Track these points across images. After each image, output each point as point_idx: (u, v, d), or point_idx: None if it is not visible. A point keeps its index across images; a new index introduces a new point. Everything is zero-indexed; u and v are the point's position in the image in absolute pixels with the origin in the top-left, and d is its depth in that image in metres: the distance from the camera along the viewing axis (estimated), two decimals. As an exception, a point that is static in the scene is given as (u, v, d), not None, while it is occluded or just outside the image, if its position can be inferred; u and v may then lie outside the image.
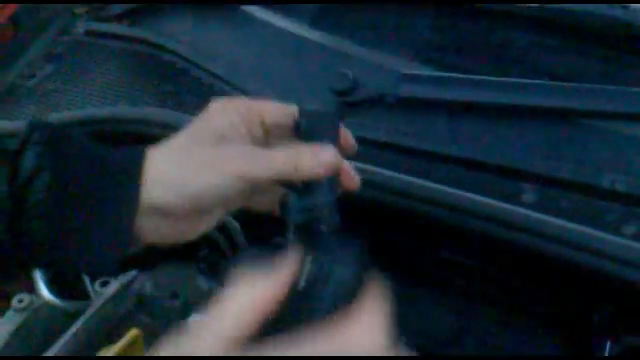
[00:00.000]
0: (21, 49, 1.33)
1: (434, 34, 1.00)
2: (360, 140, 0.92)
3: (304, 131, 0.66)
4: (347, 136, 0.69)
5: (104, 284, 1.03)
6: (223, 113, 0.68)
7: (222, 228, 1.07)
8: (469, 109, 0.88)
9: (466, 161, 0.86)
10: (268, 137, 0.70)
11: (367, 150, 0.92)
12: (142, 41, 1.24)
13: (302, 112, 0.67)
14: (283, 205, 0.67)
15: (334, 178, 0.66)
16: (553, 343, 0.84)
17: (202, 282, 1.02)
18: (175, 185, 0.65)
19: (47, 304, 1.07)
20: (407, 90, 0.90)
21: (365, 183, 0.88)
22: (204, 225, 0.71)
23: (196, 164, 0.65)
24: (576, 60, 0.92)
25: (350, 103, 0.93)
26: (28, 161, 0.62)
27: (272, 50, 1.08)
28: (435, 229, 0.86)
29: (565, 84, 0.85)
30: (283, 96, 1.00)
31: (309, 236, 0.66)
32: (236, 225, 1.05)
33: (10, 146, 0.62)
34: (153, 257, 1.08)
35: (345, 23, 1.07)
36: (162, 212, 0.66)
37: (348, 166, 0.68)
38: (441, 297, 0.91)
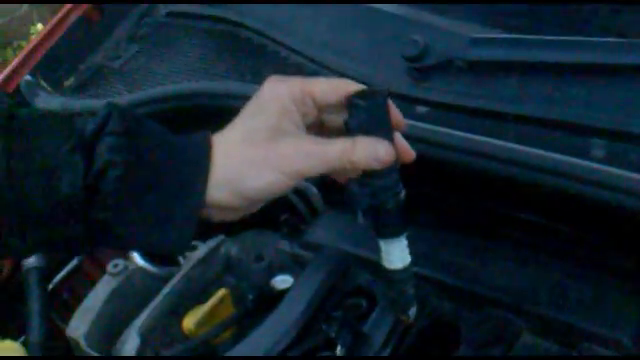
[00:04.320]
0: (107, 32, 1.40)
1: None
2: (432, 104, 0.96)
3: (356, 124, 0.68)
4: (396, 113, 0.70)
5: (192, 248, 1.09)
6: (276, 100, 0.69)
7: (301, 194, 1.12)
8: (537, 69, 0.90)
9: (535, 120, 0.88)
10: (322, 114, 0.71)
11: (438, 113, 0.95)
12: (221, 20, 1.29)
13: (352, 102, 0.68)
14: (347, 194, 0.70)
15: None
16: (629, 294, 0.86)
17: (284, 245, 1.07)
18: (235, 187, 0.68)
19: (140, 269, 1.13)
20: (476, 53, 0.92)
21: (437, 145, 0.92)
22: (255, 209, 0.74)
23: (254, 164, 0.68)
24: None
25: (421, 68, 0.96)
26: (101, 154, 0.64)
27: (345, 22, 1.12)
28: (507, 187, 0.88)
29: (634, 40, 0.86)
30: (357, 65, 1.05)
31: (377, 217, 0.71)
32: (314, 190, 1.10)
33: (89, 128, 0.65)
34: (238, 223, 1.14)
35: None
36: (222, 208, 0.70)
37: (402, 140, 0.70)
38: (516, 253, 0.93)
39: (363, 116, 0.67)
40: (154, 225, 0.67)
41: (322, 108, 0.71)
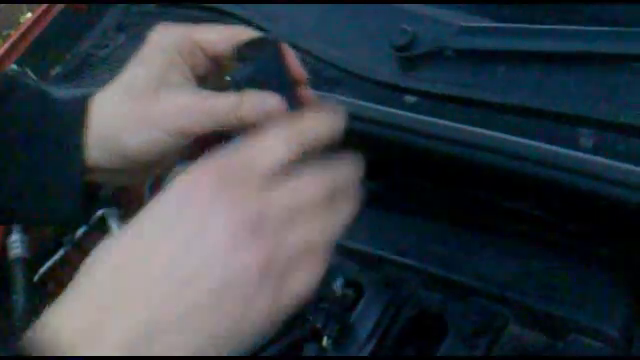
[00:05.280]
0: (94, 21, 1.39)
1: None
2: (420, 93, 0.95)
3: (241, 77, 0.62)
4: (295, 65, 0.64)
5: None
6: (161, 51, 0.64)
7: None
8: (526, 58, 0.89)
9: (524, 109, 0.87)
10: (216, 64, 0.67)
11: (427, 103, 0.94)
12: (209, 8, 1.28)
13: (239, 53, 0.63)
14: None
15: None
16: (616, 285, 0.85)
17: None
18: (113, 146, 0.64)
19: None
20: (465, 42, 0.91)
21: (427, 135, 0.91)
22: (155, 170, 0.70)
23: (131, 121, 0.63)
24: (637, 6, 0.92)
25: (410, 57, 0.95)
26: None
27: (333, 10, 1.11)
28: (494, 177, 0.88)
29: (623, 29, 0.85)
30: (345, 54, 1.04)
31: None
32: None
33: None
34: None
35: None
36: (103, 170, 0.66)
37: (310, 95, 0.66)
38: (502, 242, 0.92)
39: (250, 69, 0.62)
40: (35, 189, 0.64)
41: (214, 58, 0.67)
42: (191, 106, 0.63)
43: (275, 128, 0.55)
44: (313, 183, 0.54)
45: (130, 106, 0.63)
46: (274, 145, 0.54)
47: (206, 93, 0.64)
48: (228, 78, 0.67)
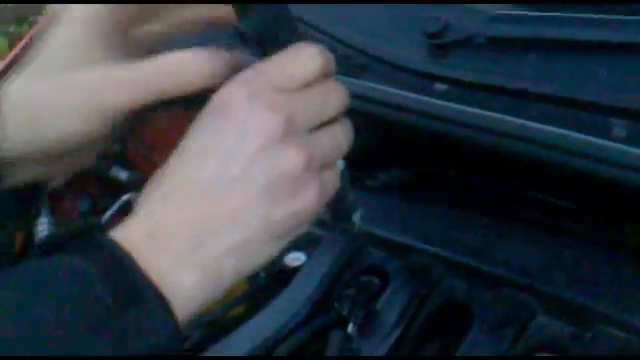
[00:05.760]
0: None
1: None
2: (451, 81, 0.95)
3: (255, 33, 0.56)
4: None
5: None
6: (81, 19, 0.57)
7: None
8: (559, 47, 0.88)
9: (556, 98, 0.86)
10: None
11: (458, 90, 0.94)
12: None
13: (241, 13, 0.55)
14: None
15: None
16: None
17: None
18: (33, 136, 0.56)
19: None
20: (497, 30, 0.91)
21: (457, 123, 0.90)
22: (88, 159, 0.63)
23: (51, 103, 0.55)
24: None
25: (441, 45, 0.95)
26: None
27: (364, -3, 1.10)
28: (524, 166, 0.87)
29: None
30: (376, 41, 1.03)
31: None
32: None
33: None
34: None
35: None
36: (29, 163, 0.58)
37: None
38: (531, 232, 0.92)
39: (257, 19, 0.55)
40: None
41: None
42: (109, 76, 0.56)
43: (308, 44, 0.57)
44: (339, 91, 0.58)
45: (49, 87, 0.56)
46: (310, 58, 0.56)
47: (131, 64, 0.56)
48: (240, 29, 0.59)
